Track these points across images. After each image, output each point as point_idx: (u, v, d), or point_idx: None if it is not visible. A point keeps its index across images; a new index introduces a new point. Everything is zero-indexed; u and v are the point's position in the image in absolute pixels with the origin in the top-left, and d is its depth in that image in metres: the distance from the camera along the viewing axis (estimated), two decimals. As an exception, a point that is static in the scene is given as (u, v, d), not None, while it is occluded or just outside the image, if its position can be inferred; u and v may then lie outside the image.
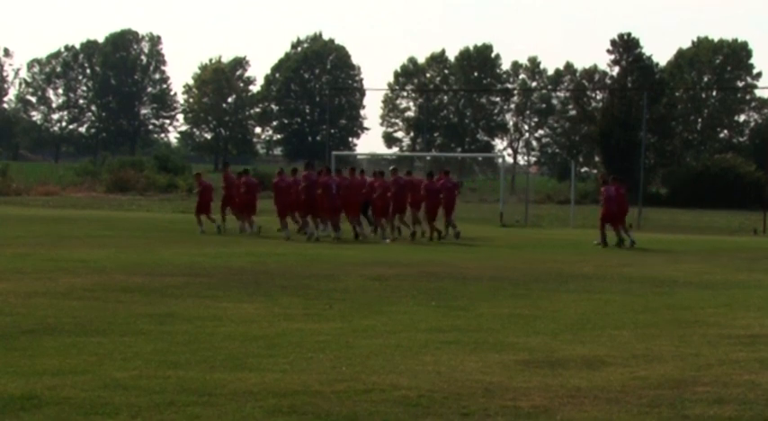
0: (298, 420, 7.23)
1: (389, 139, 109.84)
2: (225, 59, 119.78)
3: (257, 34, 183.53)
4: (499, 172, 52.11)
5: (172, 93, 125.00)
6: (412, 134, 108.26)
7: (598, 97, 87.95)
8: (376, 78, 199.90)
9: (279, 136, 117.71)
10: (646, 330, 11.69)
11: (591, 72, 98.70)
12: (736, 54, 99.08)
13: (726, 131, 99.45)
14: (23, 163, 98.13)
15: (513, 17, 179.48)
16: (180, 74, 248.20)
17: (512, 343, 10.60)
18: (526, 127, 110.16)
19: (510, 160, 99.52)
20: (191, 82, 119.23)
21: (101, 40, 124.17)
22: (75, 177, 67.00)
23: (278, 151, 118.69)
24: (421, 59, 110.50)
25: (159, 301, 13.18)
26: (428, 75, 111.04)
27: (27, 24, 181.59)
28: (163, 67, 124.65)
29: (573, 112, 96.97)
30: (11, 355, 9.25)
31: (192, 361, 9.16)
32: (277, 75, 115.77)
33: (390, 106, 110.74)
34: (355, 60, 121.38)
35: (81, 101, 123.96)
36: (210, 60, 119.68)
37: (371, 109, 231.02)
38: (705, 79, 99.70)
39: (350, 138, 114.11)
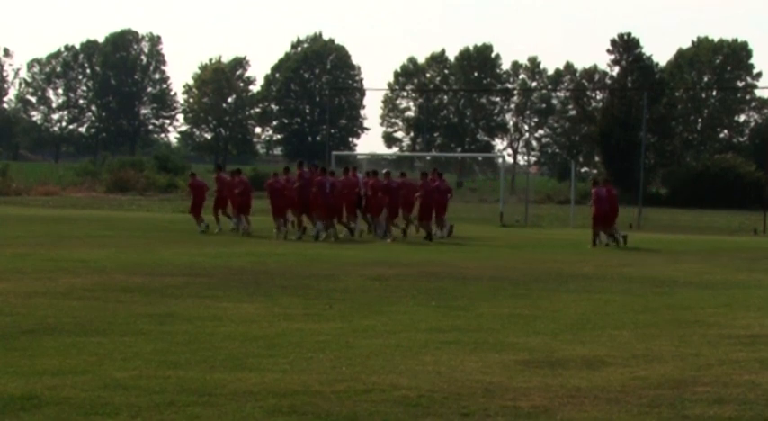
0: (298, 420, 7.23)
1: (389, 139, 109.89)
2: (225, 59, 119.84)
3: (257, 34, 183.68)
4: (499, 172, 52.09)
5: (172, 93, 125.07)
6: (412, 134, 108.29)
7: (598, 97, 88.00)
8: (376, 78, 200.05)
9: (279, 136, 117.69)
10: (646, 330, 11.69)
11: (591, 72, 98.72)
12: (736, 54, 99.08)
13: (726, 131, 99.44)
14: (23, 163, 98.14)
15: (513, 17, 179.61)
16: (180, 74, 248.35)
17: (512, 343, 10.61)
18: (526, 127, 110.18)
19: (510, 160, 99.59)
20: (191, 82, 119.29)
21: (101, 40, 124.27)
22: (75, 177, 67.01)
23: (278, 151, 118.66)
24: (421, 59, 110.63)
25: (159, 301, 13.18)
26: (428, 75, 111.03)
27: (27, 24, 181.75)
28: (163, 67, 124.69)
29: (573, 112, 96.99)
30: (11, 355, 9.25)
31: (192, 361, 9.16)
32: (277, 75, 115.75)
33: (390, 106, 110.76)
34: (355, 60, 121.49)
35: (81, 101, 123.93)
36: (210, 60, 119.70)
37: (371, 109, 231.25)
38: (705, 79, 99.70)
39: (350, 138, 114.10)
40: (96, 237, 25.33)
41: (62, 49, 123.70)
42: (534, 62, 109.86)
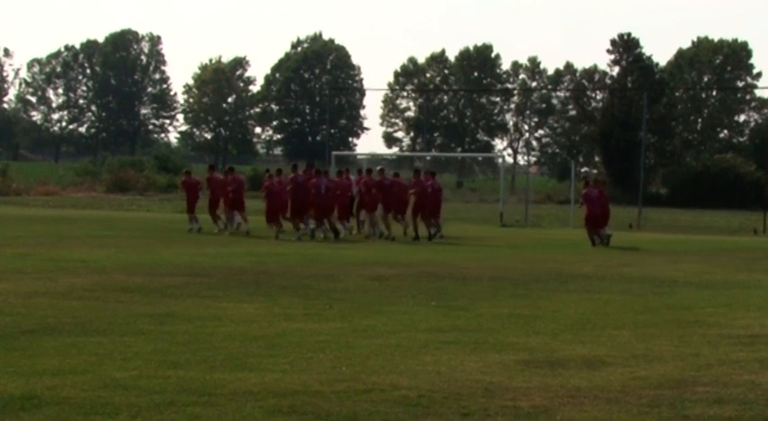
0: (298, 420, 7.23)
1: (389, 139, 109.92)
2: (225, 59, 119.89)
3: (257, 34, 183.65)
4: (499, 172, 52.12)
5: (172, 93, 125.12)
6: (412, 134, 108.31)
7: (598, 97, 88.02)
8: (376, 78, 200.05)
9: (279, 136, 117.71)
10: (646, 330, 11.69)
11: (591, 72, 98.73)
12: (736, 54, 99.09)
13: (726, 131, 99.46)
14: (23, 163, 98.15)
15: (513, 17, 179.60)
16: (180, 74, 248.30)
17: (512, 343, 10.60)
18: (526, 127, 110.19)
19: (510, 160, 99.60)
20: (191, 82, 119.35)
21: (101, 40, 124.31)
22: (75, 177, 67.00)
23: (278, 151, 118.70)
24: (421, 59, 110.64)
25: (159, 301, 13.18)
26: (428, 75, 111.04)
27: (27, 24, 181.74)
28: (163, 67, 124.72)
29: (573, 112, 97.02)
30: (11, 355, 9.24)
31: (192, 361, 9.16)
32: (277, 75, 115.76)
33: (390, 106, 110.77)
34: (355, 60, 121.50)
35: (81, 101, 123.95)
36: (210, 60, 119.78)
37: (371, 109, 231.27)
38: (705, 79, 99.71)
39: (350, 138, 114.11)
40: (96, 237, 25.33)
41: (62, 49, 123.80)
42: (534, 62, 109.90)
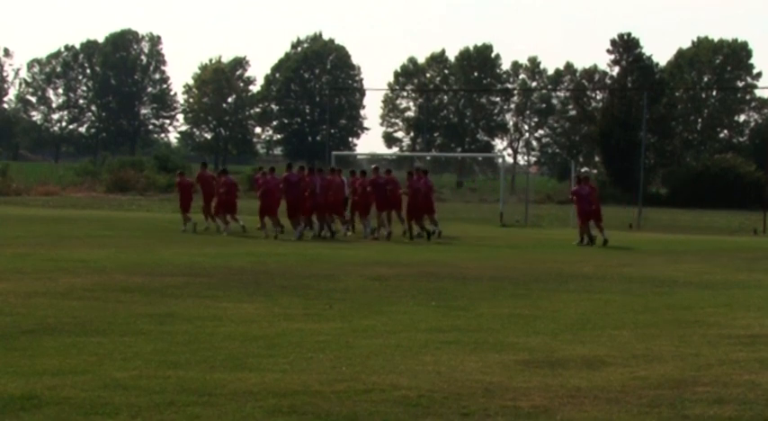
0: (298, 420, 7.23)
1: (389, 139, 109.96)
2: (225, 59, 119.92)
3: (257, 34, 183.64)
4: (499, 172, 52.12)
5: (172, 93, 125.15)
6: (412, 134, 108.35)
7: (598, 97, 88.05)
8: (376, 78, 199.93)
9: (279, 136, 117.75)
10: (646, 330, 11.69)
11: (591, 72, 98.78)
12: (736, 54, 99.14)
13: (726, 131, 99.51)
14: (23, 163, 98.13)
15: (513, 17, 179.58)
16: (180, 74, 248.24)
17: (512, 343, 10.60)
18: (526, 127, 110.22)
19: (510, 160, 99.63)
20: (191, 82, 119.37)
21: (101, 40, 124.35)
22: (75, 177, 67.00)
23: (278, 151, 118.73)
24: (421, 59, 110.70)
25: (159, 301, 13.18)
26: (428, 75, 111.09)
27: (27, 24, 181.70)
28: (163, 67, 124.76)
29: (573, 112, 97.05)
30: (11, 355, 9.24)
31: (192, 361, 9.16)
32: (277, 75, 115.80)
33: (390, 106, 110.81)
34: (355, 60, 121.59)
35: (81, 101, 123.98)
36: (210, 60, 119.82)
37: (371, 109, 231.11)
38: (705, 79, 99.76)
39: (350, 138, 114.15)
40: (96, 237, 25.33)
41: (62, 49, 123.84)
42: (534, 62, 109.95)
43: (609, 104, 77.34)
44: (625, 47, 77.99)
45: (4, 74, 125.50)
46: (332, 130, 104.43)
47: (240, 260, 19.67)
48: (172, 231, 28.59)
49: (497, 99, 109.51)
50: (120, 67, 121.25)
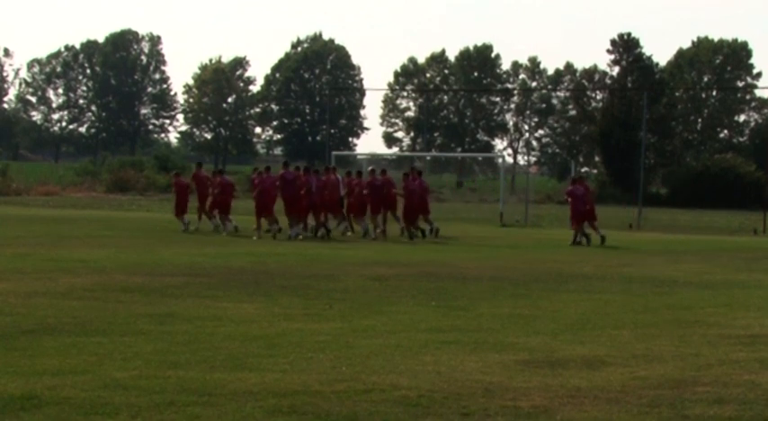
0: (298, 420, 7.22)
1: (389, 139, 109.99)
2: (225, 59, 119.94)
3: (257, 34, 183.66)
4: (499, 172, 52.10)
5: (172, 93, 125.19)
6: (412, 134, 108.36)
7: (598, 97, 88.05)
8: (376, 78, 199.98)
9: (279, 136, 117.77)
10: (646, 330, 11.68)
11: (591, 72, 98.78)
12: (736, 54, 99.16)
13: (726, 131, 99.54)
14: (23, 163, 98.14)
15: (513, 17, 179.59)
16: (180, 74, 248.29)
17: (512, 343, 10.60)
18: (526, 127, 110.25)
19: (510, 160, 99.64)
20: (191, 82, 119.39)
21: (101, 40, 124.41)
22: (75, 177, 67.00)
23: (278, 151, 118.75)
24: (421, 59, 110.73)
25: (159, 301, 13.18)
26: (428, 75, 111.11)
27: (27, 24, 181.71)
28: (163, 67, 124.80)
29: (573, 112, 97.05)
30: (11, 355, 9.24)
31: (191, 361, 9.16)
32: (277, 75, 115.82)
33: (390, 106, 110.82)
34: (355, 60, 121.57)
35: (81, 101, 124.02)
36: (210, 60, 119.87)
37: (371, 109, 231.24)
38: (705, 79, 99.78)
39: (350, 138, 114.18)
40: (96, 237, 25.33)
41: (62, 49, 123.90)
42: (534, 62, 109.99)
43: (609, 104, 77.36)
44: (625, 47, 78.00)
45: (4, 74, 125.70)
46: (332, 130, 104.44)
47: (240, 260, 19.67)
48: (172, 231, 28.59)
49: (497, 99, 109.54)
50: (120, 67, 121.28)
